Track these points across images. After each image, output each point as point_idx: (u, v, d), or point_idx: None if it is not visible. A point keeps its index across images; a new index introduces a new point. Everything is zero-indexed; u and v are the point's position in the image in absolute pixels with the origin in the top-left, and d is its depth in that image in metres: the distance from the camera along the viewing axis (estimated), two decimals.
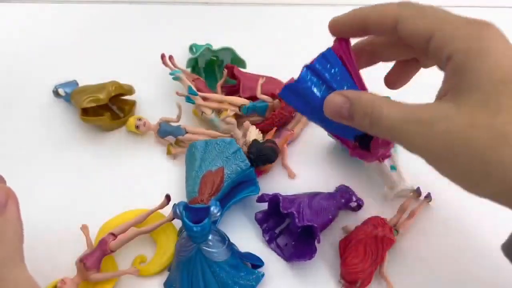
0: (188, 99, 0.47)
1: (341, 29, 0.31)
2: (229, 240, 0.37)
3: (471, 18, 0.27)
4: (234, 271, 0.36)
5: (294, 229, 0.39)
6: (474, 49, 0.25)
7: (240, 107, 0.47)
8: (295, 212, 0.38)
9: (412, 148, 0.27)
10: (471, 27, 0.26)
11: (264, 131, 0.48)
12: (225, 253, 0.35)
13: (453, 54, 0.26)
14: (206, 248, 0.35)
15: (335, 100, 0.29)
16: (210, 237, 0.35)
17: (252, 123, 0.47)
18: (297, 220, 0.37)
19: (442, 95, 0.27)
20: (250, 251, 0.40)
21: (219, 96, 0.48)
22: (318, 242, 0.37)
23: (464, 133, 0.24)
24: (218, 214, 0.34)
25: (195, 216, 0.34)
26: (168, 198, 0.40)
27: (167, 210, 0.39)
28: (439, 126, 0.25)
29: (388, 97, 0.29)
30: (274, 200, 0.40)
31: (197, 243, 0.34)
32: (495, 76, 0.25)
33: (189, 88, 0.47)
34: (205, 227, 0.33)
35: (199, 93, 0.47)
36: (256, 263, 0.39)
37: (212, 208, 0.34)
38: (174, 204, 0.35)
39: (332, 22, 0.32)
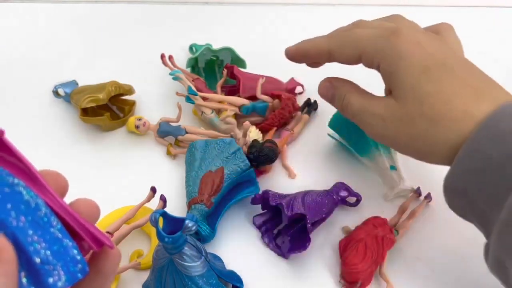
0: (188, 99, 0.47)
1: (294, 57, 0.39)
2: (206, 256, 0.35)
3: (382, 28, 0.34)
4: (207, 287, 0.34)
5: (285, 221, 0.40)
6: (392, 57, 0.32)
7: (240, 107, 0.47)
8: (284, 203, 0.38)
9: (368, 132, 0.35)
10: (384, 39, 0.33)
11: (264, 131, 0.48)
12: (198, 269, 0.34)
13: (379, 63, 0.33)
14: (179, 261, 0.33)
15: (324, 84, 0.38)
16: (184, 250, 0.33)
17: (252, 123, 0.47)
18: (286, 210, 0.37)
19: (388, 92, 0.34)
20: (249, 252, 0.40)
21: (219, 96, 0.48)
22: (311, 231, 0.37)
23: (405, 124, 0.31)
24: (194, 228, 0.31)
25: (172, 225, 0.32)
26: (153, 190, 0.40)
27: (155, 203, 0.40)
28: (386, 119, 0.32)
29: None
30: (266, 197, 0.40)
31: (170, 254, 0.33)
32: (414, 71, 0.31)
33: (189, 88, 0.47)
34: (176, 240, 0.31)
35: (199, 93, 0.47)
36: (235, 283, 0.37)
37: (186, 222, 0.31)
38: (153, 212, 0.32)
39: (293, 52, 0.39)
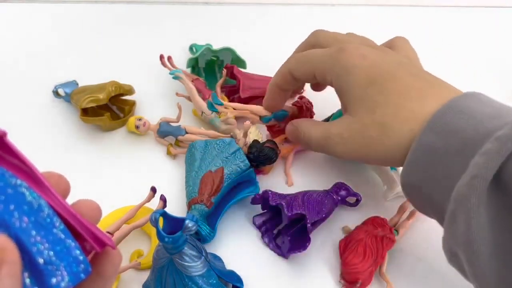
0: (211, 107, 0.45)
1: (273, 102, 0.43)
2: (206, 256, 0.35)
3: (331, 48, 0.36)
4: (207, 287, 0.34)
5: (285, 221, 0.40)
6: (339, 73, 0.35)
7: (261, 117, 0.46)
8: (284, 203, 0.38)
9: (334, 154, 0.36)
10: (331, 57, 0.36)
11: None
12: (198, 269, 0.34)
13: (331, 81, 0.36)
14: (179, 261, 0.33)
15: (289, 128, 0.42)
16: (184, 250, 0.33)
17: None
18: (286, 210, 0.37)
19: (344, 110, 0.36)
20: (249, 252, 0.40)
21: (242, 105, 0.46)
22: (310, 231, 0.37)
23: (361, 135, 0.33)
24: (194, 228, 0.31)
25: (172, 225, 0.32)
26: (153, 190, 0.40)
27: (155, 203, 0.40)
28: (345, 135, 0.35)
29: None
30: (266, 197, 0.40)
31: (170, 254, 0.33)
32: (361, 84, 0.33)
33: (213, 95, 0.45)
34: (176, 240, 0.31)
35: (225, 103, 0.46)
36: (235, 283, 0.37)
37: (186, 222, 0.31)
38: (153, 212, 0.32)
39: (267, 100, 0.43)
